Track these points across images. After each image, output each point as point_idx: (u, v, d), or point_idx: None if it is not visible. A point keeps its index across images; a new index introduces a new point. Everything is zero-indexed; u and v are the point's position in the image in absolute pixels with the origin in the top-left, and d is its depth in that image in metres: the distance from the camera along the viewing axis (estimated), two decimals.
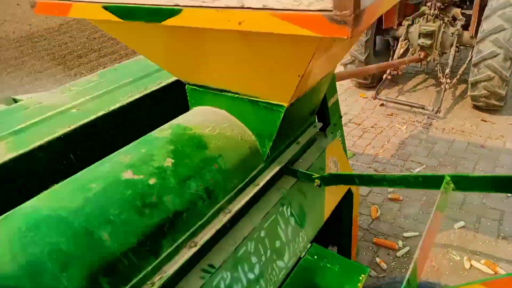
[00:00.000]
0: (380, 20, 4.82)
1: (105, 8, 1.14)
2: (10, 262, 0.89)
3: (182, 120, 1.47)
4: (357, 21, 0.78)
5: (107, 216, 1.03)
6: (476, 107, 4.42)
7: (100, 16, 1.18)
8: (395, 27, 4.87)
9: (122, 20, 1.14)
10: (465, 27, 4.47)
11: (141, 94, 1.74)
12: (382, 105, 4.73)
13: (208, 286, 1.17)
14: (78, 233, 0.97)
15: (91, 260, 0.96)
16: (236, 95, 1.43)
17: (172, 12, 1.01)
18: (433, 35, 4.45)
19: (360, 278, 1.53)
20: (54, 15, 1.28)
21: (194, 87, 1.55)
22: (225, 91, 1.45)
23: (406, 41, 4.74)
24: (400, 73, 4.78)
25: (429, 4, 4.46)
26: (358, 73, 4.43)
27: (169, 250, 1.11)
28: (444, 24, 4.44)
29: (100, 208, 1.04)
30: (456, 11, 4.61)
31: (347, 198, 1.99)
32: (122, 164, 1.18)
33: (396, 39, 4.94)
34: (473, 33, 4.36)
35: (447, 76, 4.38)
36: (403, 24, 4.69)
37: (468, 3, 4.77)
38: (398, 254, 2.75)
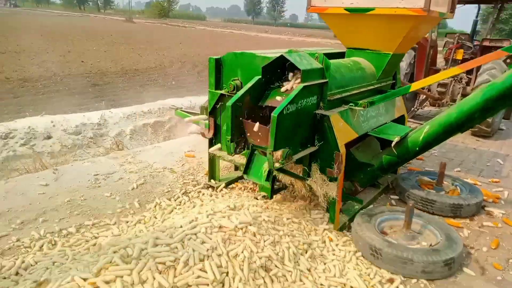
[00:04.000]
0: (412, 76, 7.29)
1: (345, 9, 3.53)
2: None
3: (350, 60, 3.79)
4: (427, 10, 3.13)
5: None
6: (472, 133, 6.63)
7: (338, 11, 3.56)
8: None
9: (348, 13, 3.51)
10: (467, 83, 6.89)
11: None
12: None
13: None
14: None
15: None
16: (368, 50, 3.75)
17: (369, 9, 3.39)
18: (447, 86, 6.87)
19: None
20: (318, 12, 3.68)
21: (350, 49, 3.89)
22: (363, 49, 3.78)
23: (427, 90, 7.16)
24: (422, 108, 7.12)
25: (447, 67, 6.98)
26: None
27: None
28: (454, 81, 6.88)
29: None
30: (463, 75, 7.09)
31: (402, 117, 4.20)
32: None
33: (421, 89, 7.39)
34: (472, 87, 6.76)
35: None
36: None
37: (470, 72, 7.26)
38: None
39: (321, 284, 2.57)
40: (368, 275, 2.78)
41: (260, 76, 2.88)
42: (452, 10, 3.70)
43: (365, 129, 3.43)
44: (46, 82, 11.51)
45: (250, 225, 2.63)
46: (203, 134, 3.83)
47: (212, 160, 3.94)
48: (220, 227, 2.53)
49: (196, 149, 5.20)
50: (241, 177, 4.17)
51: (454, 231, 3.13)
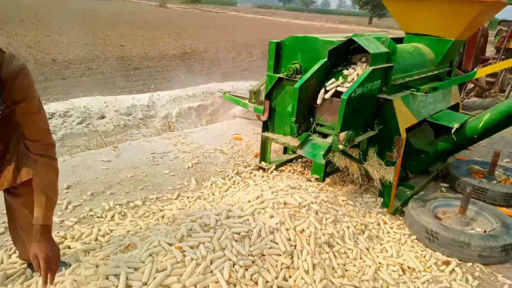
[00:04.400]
0: (460, 64, 7.11)
1: None
2: None
3: (411, 46, 3.77)
4: None
5: None
6: None
7: None
8: (470, 70, 7.15)
9: None
10: None
11: None
12: None
13: None
14: None
15: None
16: (430, 36, 3.73)
17: None
18: (496, 76, 6.68)
19: None
20: None
21: (409, 35, 3.88)
22: (425, 34, 3.77)
23: (475, 80, 6.98)
24: (468, 98, 6.97)
25: (498, 56, 6.77)
26: None
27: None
28: (504, 70, 6.67)
29: None
30: None
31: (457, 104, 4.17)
32: None
33: None
34: None
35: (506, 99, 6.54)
36: (476, 68, 6.98)
37: None
38: None
39: (380, 263, 2.67)
40: (424, 256, 2.85)
41: (325, 60, 2.95)
42: None
43: (424, 115, 3.46)
44: (89, 64, 11.98)
45: (312, 203, 2.76)
46: (258, 117, 3.96)
47: (264, 143, 4.07)
48: (285, 203, 2.67)
49: (243, 132, 5.36)
50: (290, 160, 4.30)
51: (509, 218, 3.14)
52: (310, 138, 2.96)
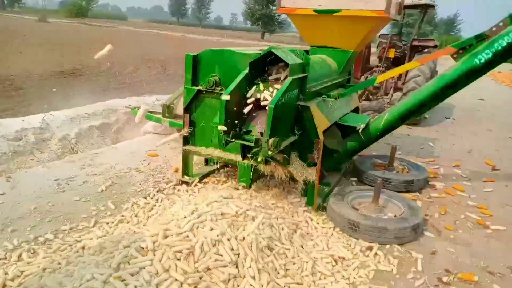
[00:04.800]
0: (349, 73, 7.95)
1: (313, 10, 3.80)
2: None
3: (318, 57, 4.08)
4: (388, 13, 3.55)
5: None
6: None
7: (307, 12, 3.83)
8: (359, 78, 8.02)
9: (315, 13, 3.79)
10: (398, 78, 7.71)
11: None
12: None
13: None
14: None
15: None
16: (332, 48, 4.10)
17: (336, 10, 3.71)
18: (381, 82, 7.61)
19: None
20: (287, 12, 3.90)
21: (314, 47, 4.20)
22: (326, 46, 4.12)
23: None
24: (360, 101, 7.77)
25: (380, 64, 7.74)
26: None
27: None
28: None
29: None
30: None
31: (357, 108, 4.63)
32: None
33: None
34: (403, 82, 7.57)
35: (388, 104, 7.47)
36: (363, 75, 7.87)
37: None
38: None
39: (314, 257, 2.80)
40: (350, 245, 3.08)
41: (246, 71, 3.02)
42: (399, 13, 4.20)
43: (335, 119, 3.75)
44: None
45: (248, 210, 2.77)
46: (178, 131, 3.84)
47: (186, 157, 3.97)
48: (222, 214, 2.63)
49: (157, 148, 5.14)
50: (213, 171, 4.26)
51: (413, 202, 3.60)
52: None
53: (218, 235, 2.37)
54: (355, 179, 4.47)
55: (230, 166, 4.38)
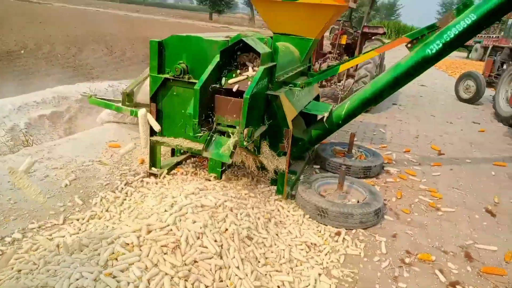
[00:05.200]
0: None
1: None
2: None
3: (282, 45, 4.17)
4: (347, 1, 3.70)
5: None
6: None
7: None
8: (314, 65, 8.25)
9: (279, 0, 3.85)
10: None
11: None
12: None
13: None
14: None
15: None
16: (295, 36, 4.21)
17: None
18: None
19: None
20: None
21: (277, 34, 4.28)
22: (290, 34, 4.22)
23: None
24: None
25: (333, 51, 8.01)
26: None
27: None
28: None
29: None
30: (346, 58, 8.24)
31: (318, 96, 4.82)
32: None
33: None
34: (354, 69, 7.94)
35: (341, 91, 7.80)
36: (317, 62, 8.11)
37: (351, 55, 8.47)
38: None
39: (289, 245, 2.96)
40: (320, 231, 3.29)
41: (217, 60, 3.03)
42: (355, 1, 4.39)
43: (300, 107, 3.89)
44: None
45: (226, 201, 2.84)
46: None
47: (153, 148, 3.92)
48: (202, 205, 2.68)
49: (118, 139, 4.99)
50: (180, 162, 4.25)
51: (374, 187, 3.88)
52: (213, 138, 3.02)
53: (201, 228, 2.42)
54: (318, 166, 4.70)
55: (197, 156, 4.40)
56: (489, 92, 10.33)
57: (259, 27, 42.77)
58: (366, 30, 7.85)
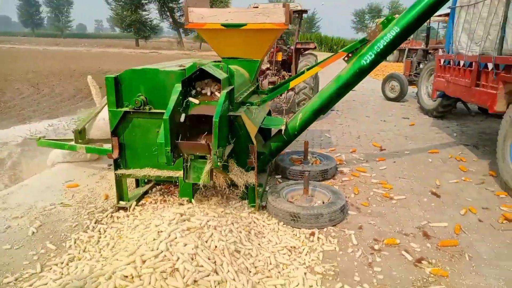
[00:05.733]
0: None
1: (222, 24, 4.12)
2: None
3: (234, 68, 4.41)
4: (288, 24, 4.08)
5: None
6: None
7: (215, 27, 4.13)
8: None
9: (224, 28, 4.12)
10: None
11: None
12: None
13: None
14: None
15: None
16: (243, 59, 4.49)
17: (243, 24, 4.11)
18: (275, 83, 8.37)
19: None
20: (196, 27, 4.14)
21: (225, 58, 4.53)
22: (237, 58, 4.50)
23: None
24: None
25: (271, 67, 8.48)
26: None
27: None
28: (279, 78, 8.44)
29: None
30: (284, 73, 8.74)
31: (269, 112, 5.13)
32: None
33: None
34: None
35: (284, 102, 8.26)
36: (259, 79, 8.52)
37: (288, 69, 8.99)
38: None
39: (272, 251, 3.16)
40: (296, 235, 3.53)
41: (180, 89, 3.19)
42: (290, 22, 4.80)
43: (258, 124, 4.15)
44: None
45: (209, 221, 2.97)
46: (110, 156, 3.77)
47: (119, 181, 3.91)
48: (188, 228, 2.78)
49: (75, 178, 4.85)
50: (146, 192, 4.27)
51: (334, 187, 4.23)
52: (189, 164, 3.15)
53: (193, 249, 2.53)
54: (280, 176, 4.97)
55: (162, 184, 4.44)
56: (411, 89, 11.51)
57: (188, 50, 42.97)
58: (299, 46, 8.44)
